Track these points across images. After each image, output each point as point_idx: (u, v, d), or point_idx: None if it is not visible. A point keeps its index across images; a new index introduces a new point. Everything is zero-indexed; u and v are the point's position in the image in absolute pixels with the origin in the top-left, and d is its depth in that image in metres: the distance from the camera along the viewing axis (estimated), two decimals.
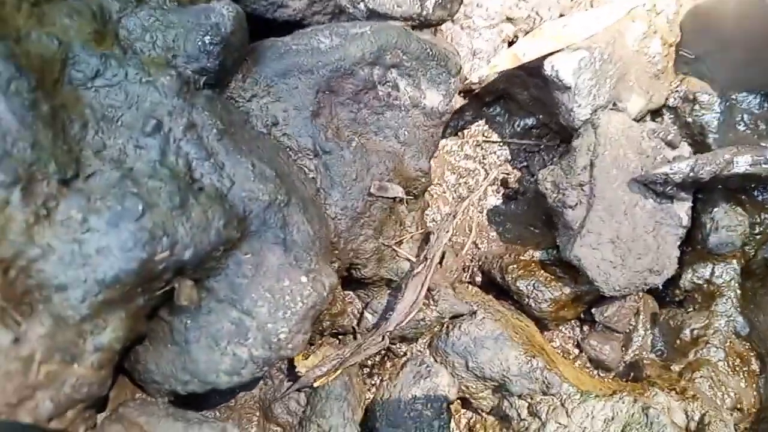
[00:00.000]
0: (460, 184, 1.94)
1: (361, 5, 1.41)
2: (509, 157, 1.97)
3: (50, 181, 0.98)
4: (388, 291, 1.45)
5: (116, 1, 1.20)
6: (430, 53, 1.34)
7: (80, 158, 1.04)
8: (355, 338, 1.41)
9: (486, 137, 1.97)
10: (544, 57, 1.67)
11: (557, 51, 1.68)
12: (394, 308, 1.35)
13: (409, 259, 1.42)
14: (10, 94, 0.97)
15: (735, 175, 1.55)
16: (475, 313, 1.48)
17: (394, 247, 1.40)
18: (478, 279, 1.84)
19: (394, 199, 1.35)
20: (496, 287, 1.79)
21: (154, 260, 0.99)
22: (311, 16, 1.43)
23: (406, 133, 1.37)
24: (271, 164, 1.16)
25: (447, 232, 1.41)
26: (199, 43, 1.15)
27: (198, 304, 1.10)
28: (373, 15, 1.41)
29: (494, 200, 1.95)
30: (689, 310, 1.74)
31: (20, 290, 0.95)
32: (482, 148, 1.97)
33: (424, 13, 1.42)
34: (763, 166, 1.55)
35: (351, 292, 1.46)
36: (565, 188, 1.65)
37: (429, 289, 1.42)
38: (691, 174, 1.53)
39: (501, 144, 1.96)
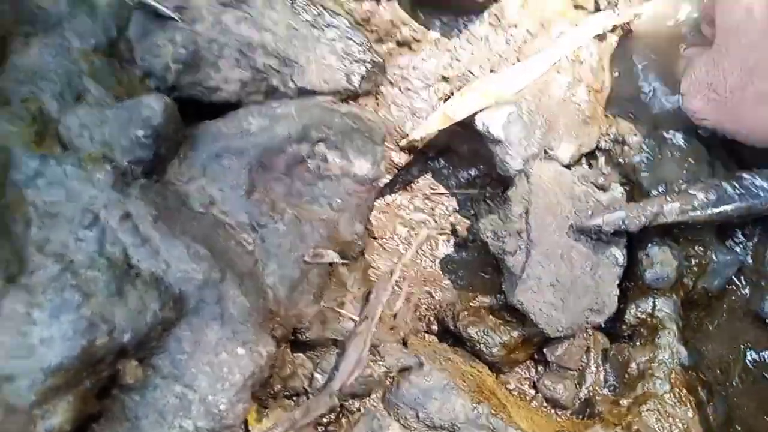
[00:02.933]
0: (412, 236, 2.02)
1: (291, 84, 1.51)
2: (457, 207, 2.06)
3: None
4: (336, 350, 1.52)
5: (55, 101, 1.31)
6: (354, 126, 1.44)
7: (24, 255, 1.12)
8: (307, 399, 1.48)
9: (433, 190, 2.06)
10: (475, 114, 1.77)
11: (487, 107, 1.78)
12: (339, 368, 1.42)
13: (352, 319, 1.50)
14: None
15: (664, 224, 1.64)
16: (422, 364, 1.55)
17: (336, 308, 1.48)
18: (434, 328, 1.91)
19: (330, 264, 1.43)
20: (451, 335, 1.86)
21: (95, 345, 1.07)
22: (246, 97, 1.53)
23: (339, 200, 1.46)
24: (206, 243, 1.25)
25: (386, 289, 1.49)
26: (133, 136, 1.24)
27: (143, 381, 1.17)
28: (302, 92, 1.52)
29: (446, 249, 2.03)
30: (636, 344, 1.81)
31: None
32: (431, 200, 2.06)
33: (351, 87, 1.53)
34: (691, 214, 1.64)
35: (301, 354, 1.53)
36: (504, 236, 1.73)
37: (374, 346, 1.49)
38: (623, 226, 1.62)
39: (448, 195, 2.06)
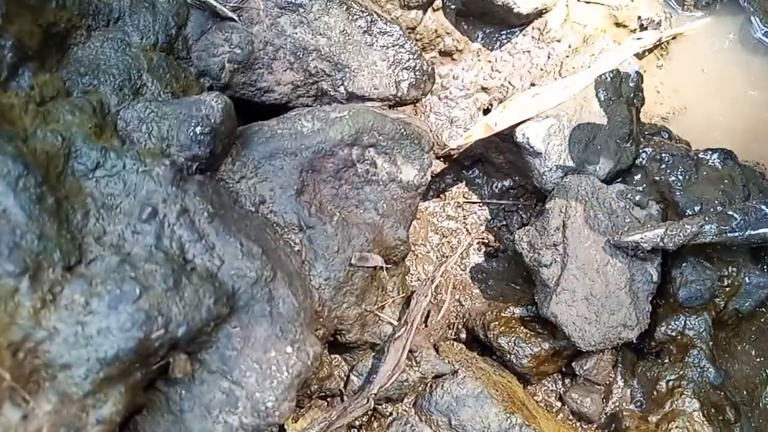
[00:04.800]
0: (443, 244, 2.04)
1: (341, 88, 1.53)
2: (489, 217, 2.07)
3: (55, 269, 1.07)
4: (373, 354, 1.54)
5: (114, 95, 1.33)
6: (404, 133, 1.46)
7: (82, 245, 1.13)
8: (342, 400, 1.49)
9: (466, 198, 2.08)
10: (516, 125, 1.79)
11: (528, 119, 1.80)
12: (378, 371, 1.43)
13: (391, 323, 1.51)
14: (18, 190, 1.07)
15: (702, 244, 1.65)
16: (456, 372, 1.56)
17: (377, 312, 1.49)
18: (463, 336, 1.92)
19: (374, 267, 1.44)
20: (479, 343, 1.87)
21: (151, 338, 1.08)
22: (296, 99, 1.56)
23: (384, 205, 1.47)
24: (258, 241, 1.26)
25: (426, 296, 1.50)
26: (191, 133, 1.26)
27: (192, 375, 1.18)
28: (352, 97, 1.54)
29: (476, 258, 2.05)
30: (665, 361, 1.81)
31: (28, 370, 1.03)
32: (463, 209, 2.08)
33: (399, 94, 1.55)
34: (728, 235, 1.65)
35: (338, 356, 1.55)
36: (540, 248, 1.75)
37: (411, 351, 1.50)
38: (660, 244, 1.63)
39: (480, 205, 2.07)
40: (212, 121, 1.27)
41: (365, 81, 1.53)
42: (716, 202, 1.82)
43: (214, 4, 1.39)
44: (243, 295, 1.21)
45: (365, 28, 1.52)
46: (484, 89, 1.99)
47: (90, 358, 1.06)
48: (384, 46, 1.54)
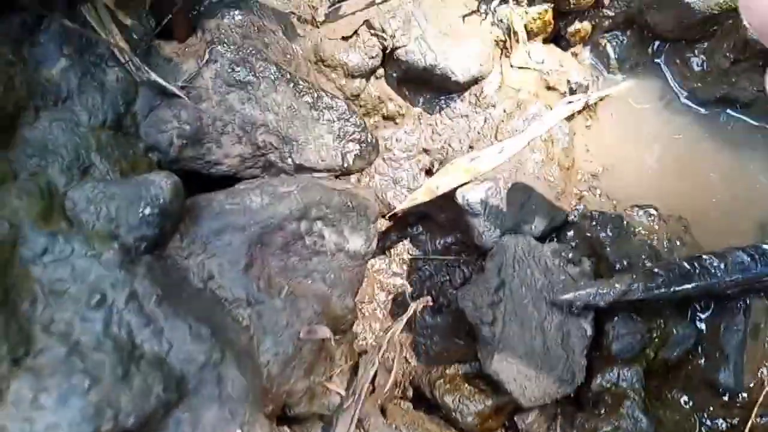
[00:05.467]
0: (389, 300, 2.09)
1: (289, 160, 1.57)
2: (433, 272, 2.14)
3: (2, 363, 1.06)
4: (321, 425, 1.55)
5: (62, 176, 1.33)
6: (351, 205, 1.51)
7: (30, 335, 1.13)
8: None
9: (411, 255, 2.14)
10: (456, 188, 1.87)
11: (467, 182, 1.88)
12: None
13: (339, 393, 1.54)
14: None
15: (631, 300, 1.76)
16: None
17: (325, 383, 1.52)
18: (410, 393, 1.96)
19: (322, 339, 1.47)
20: (425, 401, 1.91)
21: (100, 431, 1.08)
22: (244, 170, 1.59)
23: (332, 276, 1.51)
24: (207, 321, 1.28)
25: (373, 364, 1.54)
26: (140, 214, 1.27)
27: None
28: (300, 168, 1.58)
29: (420, 314, 2.10)
30: (601, 412, 1.89)
31: None
32: (408, 265, 2.14)
33: (345, 165, 1.60)
34: (654, 292, 1.76)
35: (287, 428, 1.56)
36: (482, 306, 1.81)
37: (359, 420, 1.53)
38: (592, 302, 1.72)
39: (424, 261, 2.14)
40: (161, 201, 1.29)
41: (312, 153, 1.57)
42: (643, 256, 1.93)
43: (163, 84, 1.41)
44: (192, 379, 1.21)
45: (311, 104, 1.57)
46: (425, 151, 2.07)
47: None
48: (330, 120, 1.59)
